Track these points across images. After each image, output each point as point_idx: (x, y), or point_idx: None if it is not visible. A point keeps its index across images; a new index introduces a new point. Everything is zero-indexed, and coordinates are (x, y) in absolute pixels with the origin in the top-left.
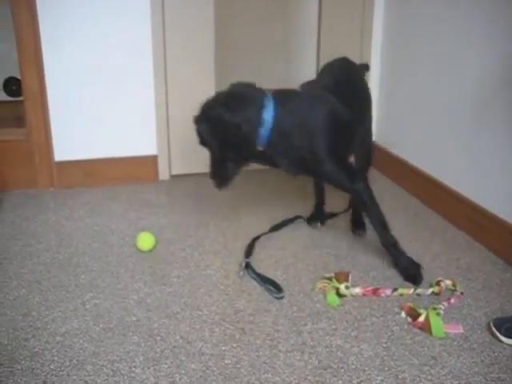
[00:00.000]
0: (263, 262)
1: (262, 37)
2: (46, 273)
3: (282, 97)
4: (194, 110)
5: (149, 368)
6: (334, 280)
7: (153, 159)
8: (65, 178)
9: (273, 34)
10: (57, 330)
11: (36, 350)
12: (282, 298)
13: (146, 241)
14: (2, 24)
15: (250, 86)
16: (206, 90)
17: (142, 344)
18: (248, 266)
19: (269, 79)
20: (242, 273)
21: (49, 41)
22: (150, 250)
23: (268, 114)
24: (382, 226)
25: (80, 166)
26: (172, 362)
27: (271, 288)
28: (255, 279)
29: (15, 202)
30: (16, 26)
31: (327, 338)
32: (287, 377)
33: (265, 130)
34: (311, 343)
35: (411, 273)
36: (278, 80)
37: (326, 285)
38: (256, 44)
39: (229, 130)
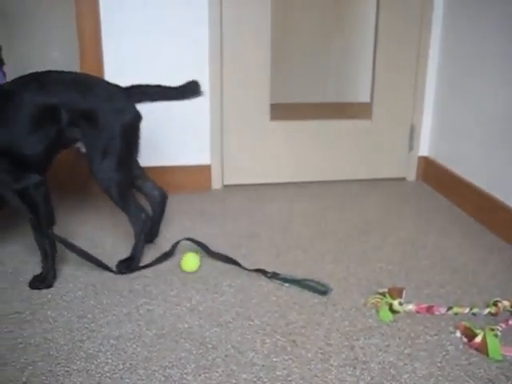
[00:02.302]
0: (315, 274)
1: (317, 52)
2: (101, 276)
3: None
4: (248, 120)
5: (200, 375)
6: (387, 295)
7: (206, 169)
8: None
9: (329, 50)
10: (111, 333)
11: (91, 351)
12: (329, 292)
13: (190, 262)
14: (52, 32)
15: None
16: (261, 101)
17: (194, 351)
18: (275, 275)
19: (322, 94)
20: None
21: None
22: (194, 272)
23: None
24: None
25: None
26: (223, 371)
27: (315, 286)
28: (293, 283)
29: (70, 205)
30: (78, 16)
31: (380, 354)
32: None
33: None
34: (363, 359)
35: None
36: (331, 95)
37: (379, 300)
38: (311, 58)
39: None
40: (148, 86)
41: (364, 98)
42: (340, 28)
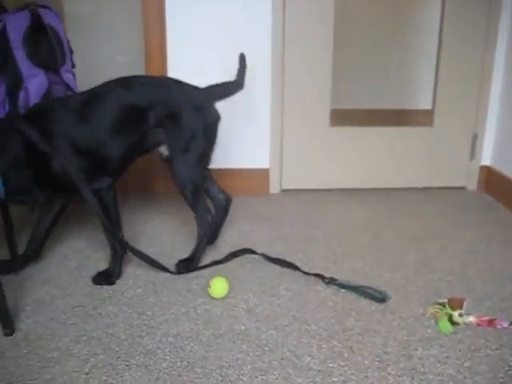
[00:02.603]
0: (373, 281)
1: (378, 58)
2: (160, 275)
3: None
4: (308, 125)
5: (256, 377)
6: (447, 306)
7: (265, 173)
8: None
9: (390, 55)
10: (169, 330)
11: (150, 347)
12: (387, 299)
13: (219, 288)
14: (118, 36)
15: None
16: (321, 106)
17: (251, 353)
18: (333, 281)
19: (382, 100)
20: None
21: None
22: (222, 298)
23: None
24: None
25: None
26: (279, 374)
27: (373, 293)
28: (350, 290)
29: (133, 205)
30: (144, 21)
31: (438, 365)
32: None
33: None
34: (422, 369)
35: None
36: (391, 101)
37: (439, 310)
38: (372, 64)
39: None
40: (223, 84)
41: (425, 104)
42: (402, 33)
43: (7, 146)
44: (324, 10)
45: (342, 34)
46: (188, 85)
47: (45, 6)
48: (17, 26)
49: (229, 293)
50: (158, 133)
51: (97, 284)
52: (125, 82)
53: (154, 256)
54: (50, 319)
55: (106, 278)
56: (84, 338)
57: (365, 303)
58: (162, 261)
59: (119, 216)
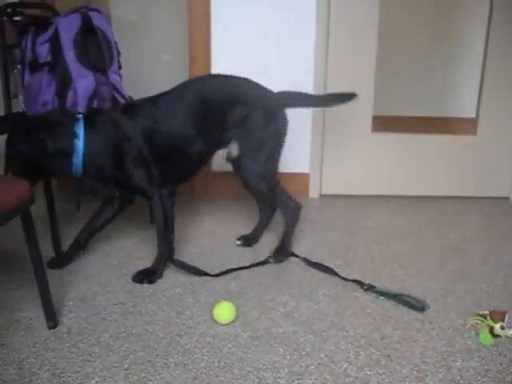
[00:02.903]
0: (411, 290)
1: (421, 64)
2: (199, 276)
3: (91, 120)
4: (350, 131)
5: (293, 381)
6: (488, 318)
7: (304, 177)
8: (219, 187)
9: (433, 62)
10: (207, 331)
11: (188, 347)
12: (426, 309)
13: (224, 313)
14: (163, 36)
15: (61, 114)
16: (363, 112)
17: (288, 357)
18: (371, 288)
19: (425, 107)
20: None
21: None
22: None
23: (79, 141)
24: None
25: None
26: (316, 379)
27: (412, 302)
28: (389, 298)
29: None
30: (190, 20)
31: (478, 378)
32: None
33: (77, 158)
34: (461, 381)
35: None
36: (434, 109)
37: (479, 322)
38: (415, 71)
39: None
40: (295, 93)
41: (469, 112)
42: (446, 38)
43: (101, 133)
44: (369, 16)
45: (385, 40)
46: (265, 88)
47: (95, 9)
48: (68, 28)
49: (236, 318)
50: (232, 133)
51: (137, 282)
52: (209, 82)
53: (194, 256)
54: (91, 314)
55: (147, 276)
56: (124, 334)
57: (403, 311)
58: (201, 261)
59: (174, 221)
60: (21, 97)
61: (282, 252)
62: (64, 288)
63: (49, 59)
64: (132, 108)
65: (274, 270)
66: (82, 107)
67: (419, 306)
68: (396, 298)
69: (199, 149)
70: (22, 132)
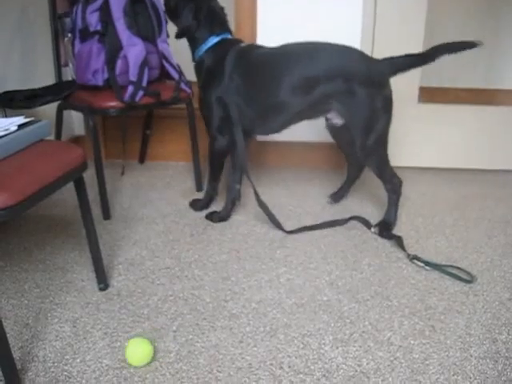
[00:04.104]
0: (457, 262)
1: (470, 34)
2: (244, 243)
3: (226, 44)
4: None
5: (337, 348)
6: None
7: None
8: (261, 156)
9: (482, 31)
10: (252, 297)
11: (234, 311)
12: (474, 281)
13: (139, 353)
14: None
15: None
16: (410, 82)
17: (332, 324)
18: (416, 257)
19: (473, 79)
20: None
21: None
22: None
23: (208, 44)
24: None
25: (279, 147)
26: (360, 347)
27: (458, 273)
28: (435, 268)
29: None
30: None
31: None
32: (478, 383)
33: (200, 50)
34: (506, 354)
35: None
36: (482, 80)
37: None
38: (469, 14)
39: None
40: (398, 58)
41: None
42: (495, 8)
43: (217, 50)
44: None
45: (434, 10)
46: (370, 58)
47: None
48: None
49: (153, 359)
50: (327, 104)
51: (209, 219)
52: (311, 48)
53: (239, 223)
54: (140, 278)
55: (216, 216)
56: (171, 297)
57: (448, 283)
58: (247, 227)
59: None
60: (71, 65)
61: (388, 227)
62: (114, 252)
63: (99, 28)
64: (244, 50)
65: (319, 239)
66: (133, 76)
67: (467, 278)
68: (442, 269)
69: (286, 106)
70: None
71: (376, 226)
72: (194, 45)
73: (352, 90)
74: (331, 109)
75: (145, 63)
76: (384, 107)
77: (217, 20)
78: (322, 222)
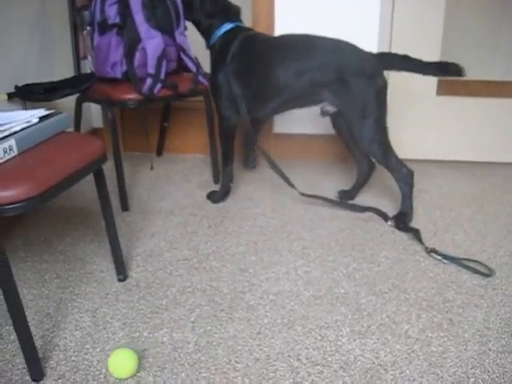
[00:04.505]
0: (475, 256)
1: (490, 27)
2: (262, 235)
3: (237, 32)
4: (414, 94)
5: (355, 340)
6: None
7: None
8: (280, 148)
9: (501, 24)
10: (270, 288)
11: (251, 303)
12: (493, 275)
13: (121, 365)
14: None
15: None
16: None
17: (349, 316)
18: (434, 251)
19: (492, 71)
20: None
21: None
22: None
23: (223, 30)
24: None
25: (295, 139)
26: (378, 339)
27: (477, 267)
28: (453, 261)
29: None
30: None
31: None
32: (497, 377)
33: (215, 36)
34: None
35: None
36: (502, 72)
37: None
38: (483, 33)
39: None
40: (396, 55)
41: None
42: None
43: (230, 36)
44: None
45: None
46: (362, 51)
47: None
48: None
49: (137, 371)
50: (319, 94)
51: (209, 199)
52: (308, 39)
53: (256, 216)
54: (158, 269)
55: (211, 196)
56: (189, 289)
57: (466, 277)
58: (264, 219)
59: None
60: (90, 58)
61: (404, 219)
62: (132, 244)
63: (117, 21)
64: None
65: (337, 232)
66: (151, 68)
67: (486, 273)
68: (460, 262)
69: (280, 91)
70: None
71: (392, 218)
72: (208, 31)
73: (344, 80)
74: (323, 99)
75: (163, 56)
76: (376, 97)
77: (231, 9)
78: (339, 201)
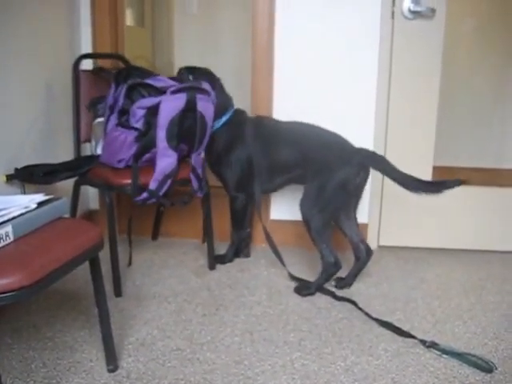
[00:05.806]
0: (476, 349)
1: (483, 114)
2: (258, 325)
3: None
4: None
5: None
6: None
7: (363, 227)
8: (277, 235)
9: (494, 112)
10: (266, 382)
11: None
12: (493, 370)
13: None
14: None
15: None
16: (424, 162)
17: None
18: (434, 345)
19: (485, 158)
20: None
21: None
22: None
23: (224, 118)
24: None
25: (292, 226)
26: None
27: (478, 362)
28: (453, 356)
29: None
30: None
31: None
32: None
33: (218, 123)
34: None
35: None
36: (495, 160)
37: None
38: (477, 121)
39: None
40: (377, 155)
41: None
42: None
43: (232, 125)
44: (431, 65)
45: (446, 89)
46: (349, 146)
47: (203, 90)
48: (170, 107)
49: None
50: (297, 173)
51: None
52: (303, 130)
53: (252, 304)
54: (150, 359)
55: (220, 259)
56: (182, 381)
57: (468, 372)
58: (260, 308)
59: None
60: (93, 142)
61: (345, 282)
62: (124, 331)
63: (140, 126)
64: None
65: (334, 323)
66: (154, 183)
67: (486, 367)
68: (461, 356)
69: (277, 176)
70: None
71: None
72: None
73: (320, 168)
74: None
75: (171, 174)
76: (338, 184)
77: (226, 95)
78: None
